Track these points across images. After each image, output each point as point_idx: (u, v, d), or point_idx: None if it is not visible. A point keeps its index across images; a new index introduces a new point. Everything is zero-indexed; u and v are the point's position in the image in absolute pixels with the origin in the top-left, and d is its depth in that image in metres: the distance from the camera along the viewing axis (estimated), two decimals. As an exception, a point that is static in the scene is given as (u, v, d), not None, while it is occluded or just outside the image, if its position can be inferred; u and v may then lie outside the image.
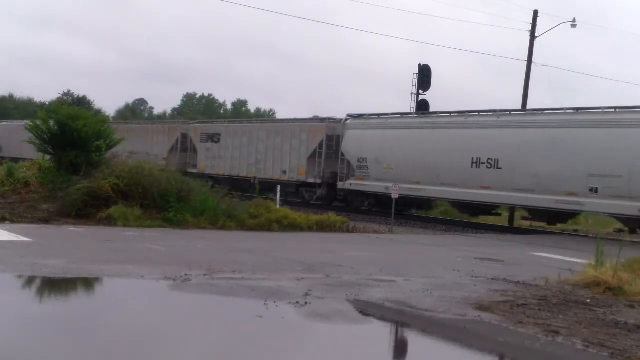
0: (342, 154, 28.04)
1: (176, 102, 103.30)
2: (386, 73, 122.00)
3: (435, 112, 27.01)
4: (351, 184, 27.59)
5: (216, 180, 29.67)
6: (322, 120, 30.39)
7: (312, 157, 28.85)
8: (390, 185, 22.60)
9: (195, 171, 33.63)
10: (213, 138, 34.22)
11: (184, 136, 36.70)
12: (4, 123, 55.23)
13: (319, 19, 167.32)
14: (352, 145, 27.72)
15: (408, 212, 27.64)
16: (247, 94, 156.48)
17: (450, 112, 25.91)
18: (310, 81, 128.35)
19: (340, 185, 28.03)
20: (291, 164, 29.68)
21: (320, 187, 28.77)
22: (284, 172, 29.91)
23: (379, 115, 28.17)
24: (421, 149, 25.09)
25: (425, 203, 27.48)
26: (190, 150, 36.11)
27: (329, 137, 28.61)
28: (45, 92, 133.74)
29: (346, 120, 28.68)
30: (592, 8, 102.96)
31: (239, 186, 32.76)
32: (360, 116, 28.63)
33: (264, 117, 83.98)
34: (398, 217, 22.80)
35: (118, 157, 19.29)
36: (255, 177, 31.46)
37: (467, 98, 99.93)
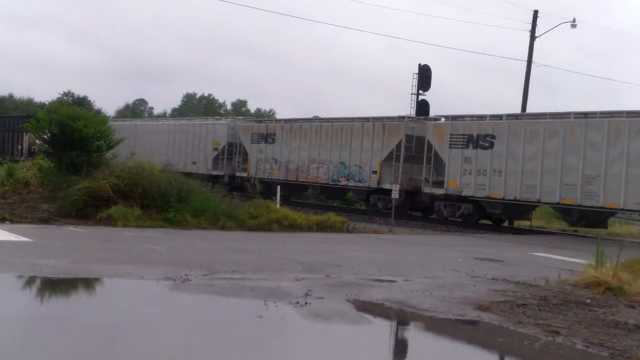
0: None
1: (172, 102, 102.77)
2: (379, 74, 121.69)
3: None
4: None
5: (478, 205, 23.11)
6: None
7: None
8: None
9: (440, 191, 24.19)
10: (479, 141, 23.05)
11: (410, 138, 25.71)
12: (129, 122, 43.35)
13: (302, 16, 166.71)
14: None
15: None
16: (237, 94, 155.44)
17: None
18: (295, 81, 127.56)
19: None
20: None
21: None
22: None
23: None
24: None
25: None
26: (428, 160, 24.86)
27: None
28: (33, 93, 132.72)
29: None
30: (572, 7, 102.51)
31: (521, 214, 23.82)
32: None
33: (264, 117, 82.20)
34: (398, 217, 22.57)
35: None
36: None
37: (459, 99, 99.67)
